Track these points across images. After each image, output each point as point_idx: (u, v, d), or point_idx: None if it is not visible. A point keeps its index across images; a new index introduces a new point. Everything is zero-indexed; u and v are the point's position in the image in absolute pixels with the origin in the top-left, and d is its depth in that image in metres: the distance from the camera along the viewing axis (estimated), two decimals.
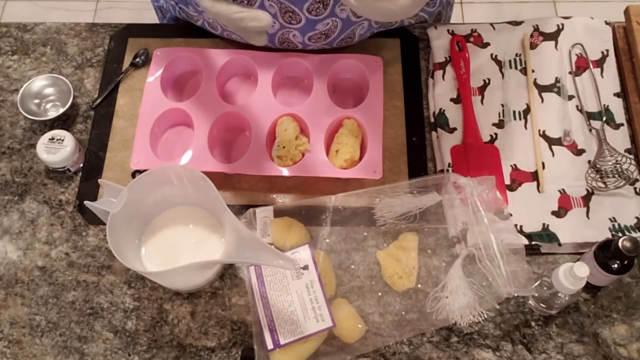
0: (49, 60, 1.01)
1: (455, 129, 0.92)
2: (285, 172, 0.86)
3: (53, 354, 0.81)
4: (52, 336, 0.82)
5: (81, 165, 0.92)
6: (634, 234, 0.84)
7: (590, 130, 0.92)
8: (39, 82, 0.95)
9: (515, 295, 0.80)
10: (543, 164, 0.90)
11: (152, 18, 1.16)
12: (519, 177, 0.89)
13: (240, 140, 0.93)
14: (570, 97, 0.95)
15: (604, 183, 0.88)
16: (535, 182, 0.89)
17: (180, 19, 1.04)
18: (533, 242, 0.84)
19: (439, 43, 0.99)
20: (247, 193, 0.90)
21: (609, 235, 0.84)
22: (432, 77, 0.97)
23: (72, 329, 0.82)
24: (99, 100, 0.96)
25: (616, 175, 0.88)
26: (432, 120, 0.94)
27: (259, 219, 0.85)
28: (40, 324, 0.83)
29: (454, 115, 0.93)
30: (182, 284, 0.83)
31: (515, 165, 0.90)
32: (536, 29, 1.00)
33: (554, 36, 0.99)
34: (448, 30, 0.99)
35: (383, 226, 0.86)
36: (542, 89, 0.95)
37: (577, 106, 0.94)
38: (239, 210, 0.87)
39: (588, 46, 0.98)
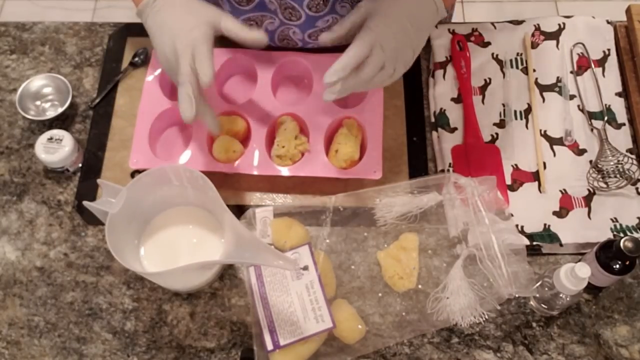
0: (48, 59, 1.00)
1: (456, 128, 0.92)
2: (285, 172, 0.86)
3: (52, 355, 0.80)
4: (51, 337, 0.81)
5: (80, 165, 0.91)
6: (635, 235, 0.84)
7: (592, 130, 0.92)
8: (38, 82, 0.94)
9: (517, 296, 0.79)
10: (544, 164, 0.89)
11: None
12: (520, 177, 0.89)
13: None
14: (572, 97, 0.94)
15: (606, 183, 0.87)
16: (536, 182, 0.88)
17: None
18: (534, 243, 0.84)
19: (440, 42, 0.98)
20: (247, 193, 0.89)
21: (611, 236, 0.84)
22: (433, 76, 0.96)
23: (70, 329, 0.82)
24: (97, 100, 0.96)
25: (618, 176, 0.88)
26: (433, 120, 0.94)
27: (259, 219, 0.84)
28: (38, 324, 0.82)
29: (455, 115, 0.93)
30: (182, 285, 0.82)
31: (516, 165, 0.90)
32: (537, 28, 0.99)
33: (555, 35, 0.99)
34: (449, 30, 0.99)
35: (383, 226, 0.85)
36: (543, 88, 0.95)
37: (578, 106, 0.93)
38: (239, 210, 0.87)
39: (589, 45, 0.97)
